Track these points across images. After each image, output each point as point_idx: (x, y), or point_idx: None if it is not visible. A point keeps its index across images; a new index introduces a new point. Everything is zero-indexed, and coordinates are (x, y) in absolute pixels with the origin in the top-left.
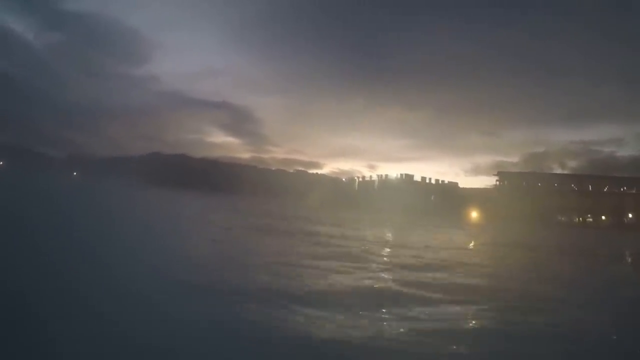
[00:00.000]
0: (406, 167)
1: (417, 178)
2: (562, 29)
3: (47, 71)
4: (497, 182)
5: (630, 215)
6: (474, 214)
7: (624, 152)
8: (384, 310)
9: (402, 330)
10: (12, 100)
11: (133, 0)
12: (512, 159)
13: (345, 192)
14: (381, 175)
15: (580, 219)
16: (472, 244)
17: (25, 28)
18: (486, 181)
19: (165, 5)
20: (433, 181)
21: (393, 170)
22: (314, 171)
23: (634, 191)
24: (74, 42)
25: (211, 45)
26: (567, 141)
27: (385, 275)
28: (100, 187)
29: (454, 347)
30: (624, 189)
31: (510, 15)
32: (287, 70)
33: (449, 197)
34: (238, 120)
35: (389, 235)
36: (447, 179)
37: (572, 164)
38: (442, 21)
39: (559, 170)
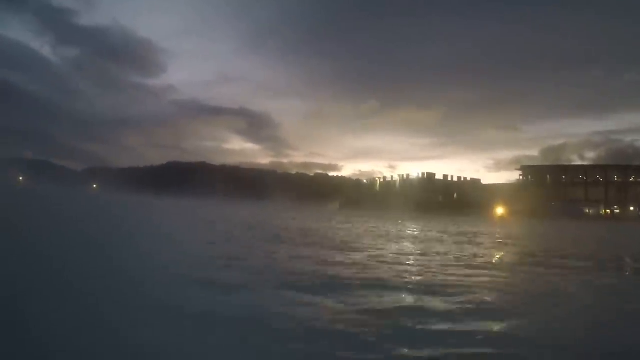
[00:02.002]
0: (427, 166)
1: (439, 176)
2: (577, 19)
3: (65, 85)
4: (521, 177)
5: None
6: (500, 211)
7: None
8: None
9: None
10: (32, 115)
11: (146, 11)
12: (533, 152)
13: (367, 193)
14: (402, 175)
15: (608, 210)
16: (499, 257)
17: (43, 44)
18: (508, 176)
19: (178, 15)
20: (455, 179)
21: (414, 170)
22: (335, 174)
23: None
24: (90, 55)
25: (226, 52)
26: (587, 132)
27: None
28: (119, 198)
29: None
30: None
31: (522, 9)
32: (303, 75)
33: (472, 194)
34: (256, 125)
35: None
36: (468, 176)
37: (592, 155)
38: (453, 20)
39: (579, 162)
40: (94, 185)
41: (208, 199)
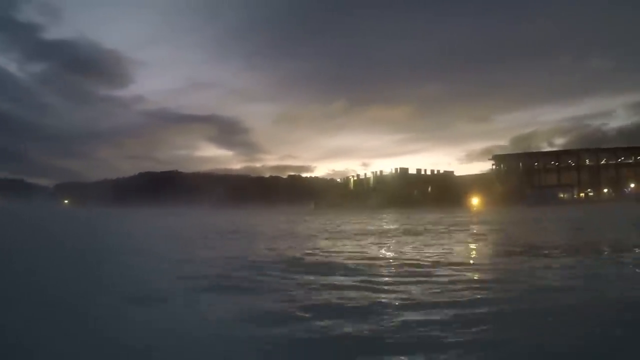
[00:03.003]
0: (400, 161)
1: (412, 171)
2: (543, 7)
3: (34, 101)
4: (493, 166)
5: (632, 185)
6: (475, 201)
7: (615, 123)
8: None
9: None
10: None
11: (112, 22)
12: (504, 142)
13: (342, 192)
14: (375, 171)
15: (582, 194)
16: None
17: (9, 61)
18: (481, 167)
19: (145, 24)
20: (428, 172)
21: (387, 166)
22: (308, 174)
23: (631, 161)
24: (57, 70)
25: (195, 60)
26: (557, 119)
27: None
28: (88, 211)
29: None
30: (621, 159)
31: (488, 1)
32: (272, 78)
33: (446, 186)
34: (227, 131)
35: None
36: (442, 169)
37: (562, 141)
38: (420, 16)
39: (549, 149)
40: (65, 201)
41: (179, 208)
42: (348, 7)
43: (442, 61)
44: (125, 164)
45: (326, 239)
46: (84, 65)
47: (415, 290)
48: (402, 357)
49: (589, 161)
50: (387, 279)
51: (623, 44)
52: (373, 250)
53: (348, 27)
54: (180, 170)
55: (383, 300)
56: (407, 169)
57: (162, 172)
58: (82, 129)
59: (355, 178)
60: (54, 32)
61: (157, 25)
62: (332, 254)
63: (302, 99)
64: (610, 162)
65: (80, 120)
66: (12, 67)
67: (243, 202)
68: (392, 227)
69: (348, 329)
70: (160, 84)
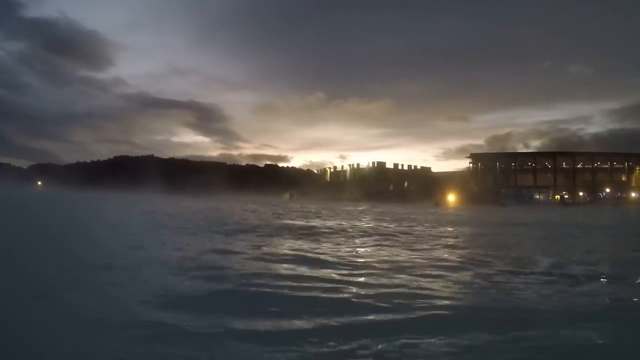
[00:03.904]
0: (377, 155)
1: (390, 165)
2: (525, 12)
3: (11, 80)
4: (471, 164)
5: (607, 190)
6: (451, 198)
7: (592, 129)
8: None
9: None
10: None
11: (95, 3)
12: (481, 141)
13: (318, 183)
14: (352, 164)
15: (557, 196)
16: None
17: None
18: (457, 165)
19: (128, 7)
20: (405, 167)
21: (365, 159)
22: (285, 164)
23: (607, 166)
24: (36, 49)
25: (176, 45)
26: (534, 121)
27: None
28: (61, 194)
29: None
30: (597, 164)
31: (472, 1)
32: (253, 67)
33: (423, 181)
34: (206, 118)
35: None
36: (419, 164)
37: (537, 143)
38: (402, 13)
39: (524, 150)
40: (39, 182)
41: (154, 192)
42: (331, 2)
43: (422, 59)
44: (101, 148)
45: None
46: (64, 45)
47: None
48: None
49: (566, 164)
50: None
51: (602, 51)
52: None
53: (330, 21)
54: (156, 155)
55: None
56: (384, 163)
57: (137, 157)
58: (59, 110)
59: (332, 170)
60: (34, 10)
61: (140, 9)
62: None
63: (281, 89)
64: (587, 166)
65: (58, 101)
66: None
67: (218, 190)
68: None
69: None
70: (140, 68)
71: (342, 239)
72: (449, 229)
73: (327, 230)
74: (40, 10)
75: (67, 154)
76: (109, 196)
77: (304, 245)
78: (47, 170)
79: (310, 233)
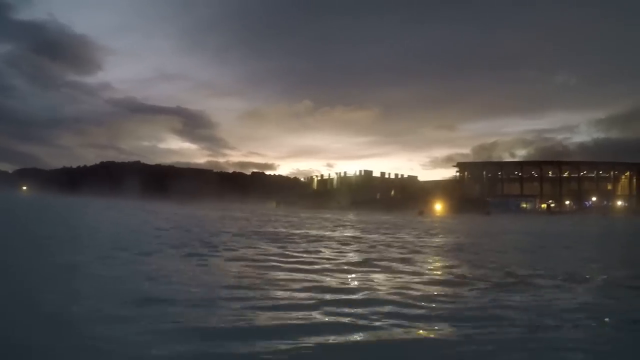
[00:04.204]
0: (364, 164)
1: (377, 174)
2: (513, 22)
3: None
4: (457, 173)
5: (594, 198)
6: (438, 206)
7: (578, 138)
8: None
9: None
10: None
11: (83, 6)
12: (467, 150)
13: (305, 191)
14: (339, 172)
15: (544, 205)
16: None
17: None
18: (444, 173)
19: (116, 11)
20: (392, 176)
21: (352, 168)
22: (272, 172)
23: (593, 175)
24: (24, 51)
25: (164, 50)
26: (521, 130)
27: None
28: (46, 199)
29: None
30: (584, 173)
31: (459, 11)
32: (241, 74)
33: (410, 190)
34: (193, 125)
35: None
36: (405, 173)
37: (523, 153)
38: (390, 21)
39: (510, 159)
40: (24, 187)
41: (137, 200)
42: (320, 9)
43: (409, 67)
44: (88, 153)
45: None
46: (53, 48)
47: None
48: None
49: (552, 173)
50: None
51: (588, 61)
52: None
53: (319, 27)
54: (143, 161)
55: None
56: (371, 172)
57: (124, 163)
58: (45, 114)
59: (319, 178)
60: (23, 13)
61: (129, 13)
62: None
63: (269, 96)
64: (573, 175)
65: (45, 105)
66: None
67: (204, 197)
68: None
69: None
70: (128, 73)
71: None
72: (425, 238)
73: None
74: (30, 13)
75: (53, 159)
76: (91, 202)
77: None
78: (33, 174)
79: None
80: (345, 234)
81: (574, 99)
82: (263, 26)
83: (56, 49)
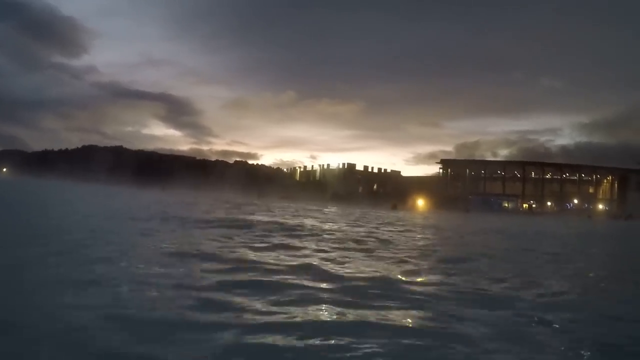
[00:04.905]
0: (348, 157)
1: (360, 167)
2: (501, 22)
3: None
4: (440, 170)
5: (575, 201)
6: (420, 202)
7: (561, 141)
8: None
9: None
10: None
11: None
12: (450, 148)
13: (287, 181)
14: (322, 164)
15: (526, 205)
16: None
17: None
18: (426, 169)
19: None
20: (375, 170)
21: (335, 160)
22: (254, 162)
23: (575, 178)
24: (9, 31)
25: (152, 35)
26: (504, 131)
27: None
28: (26, 182)
29: None
30: (566, 175)
31: (448, 10)
32: (227, 62)
33: (392, 185)
34: (177, 111)
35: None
36: (388, 168)
37: (505, 153)
38: (378, 17)
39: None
40: (4, 169)
41: (120, 184)
42: (310, 3)
43: (396, 63)
44: (71, 136)
45: None
46: (38, 29)
47: None
48: None
49: (535, 174)
50: None
51: (574, 66)
52: None
53: (308, 21)
54: (125, 146)
55: None
56: (354, 165)
57: (106, 147)
58: (29, 96)
59: (301, 169)
60: None
61: None
62: None
63: (254, 86)
64: (556, 176)
65: (28, 87)
66: None
67: (185, 184)
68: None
69: None
70: (114, 57)
71: None
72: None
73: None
74: None
75: (35, 141)
76: (69, 186)
77: None
78: (14, 156)
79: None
80: (293, 222)
81: (558, 102)
82: (252, 16)
83: (42, 29)
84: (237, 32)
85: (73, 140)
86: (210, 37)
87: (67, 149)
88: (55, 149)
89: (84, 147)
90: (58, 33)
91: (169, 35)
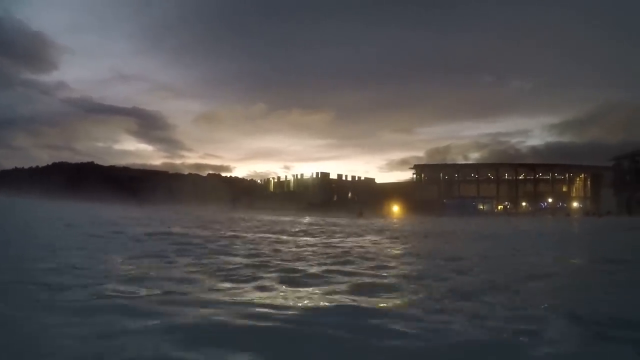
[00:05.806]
0: (321, 166)
1: (333, 176)
2: (468, 25)
3: None
4: (414, 175)
5: (550, 200)
6: (395, 208)
7: (532, 142)
8: None
9: None
10: None
11: (41, 3)
12: (422, 153)
13: (261, 193)
14: (296, 174)
15: (501, 206)
16: None
17: None
18: (399, 176)
19: (74, 9)
20: (349, 178)
21: (309, 170)
22: (228, 174)
23: (548, 177)
24: None
25: (122, 51)
26: (476, 134)
27: None
28: None
29: None
30: (539, 175)
31: (416, 15)
32: (198, 76)
33: (367, 192)
34: (149, 126)
35: None
36: (362, 175)
37: (476, 156)
38: (346, 24)
39: (464, 162)
40: None
41: (91, 201)
42: (276, 13)
43: (365, 70)
44: (41, 153)
45: None
46: (7, 45)
47: None
48: None
49: (508, 175)
50: None
51: (543, 68)
52: None
53: (275, 31)
54: (97, 162)
55: None
56: (328, 174)
57: (77, 164)
58: None
59: (275, 180)
60: None
61: (86, 12)
62: None
63: (225, 98)
64: (529, 177)
65: None
66: None
67: (157, 199)
68: None
69: None
70: (84, 73)
71: None
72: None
73: None
74: None
75: (5, 160)
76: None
77: None
78: None
79: None
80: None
81: (528, 104)
82: (220, 28)
83: (11, 45)
84: (205, 45)
85: (44, 157)
86: (180, 51)
87: (37, 167)
88: (26, 166)
89: (54, 164)
90: (27, 49)
91: (139, 49)
